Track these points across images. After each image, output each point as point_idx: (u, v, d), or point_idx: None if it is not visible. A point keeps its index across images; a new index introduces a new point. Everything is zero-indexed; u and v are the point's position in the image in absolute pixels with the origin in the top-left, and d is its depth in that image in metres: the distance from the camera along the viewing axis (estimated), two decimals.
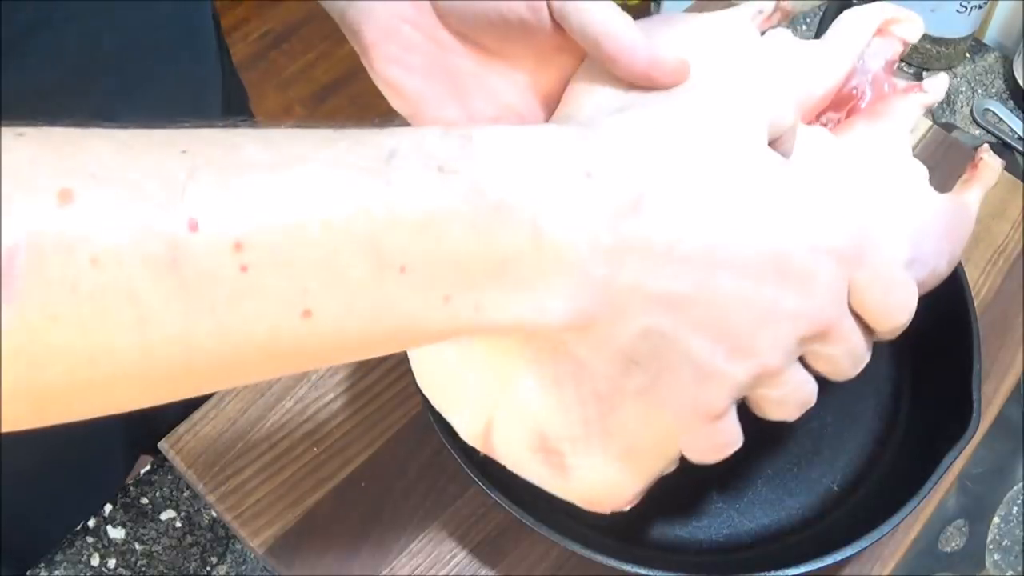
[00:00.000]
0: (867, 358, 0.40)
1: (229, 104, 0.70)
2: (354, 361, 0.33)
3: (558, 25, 0.44)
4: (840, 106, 0.55)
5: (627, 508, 0.45)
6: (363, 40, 0.46)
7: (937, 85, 0.53)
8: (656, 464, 0.44)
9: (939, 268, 0.50)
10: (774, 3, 0.57)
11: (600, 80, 0.42)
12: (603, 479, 0.43)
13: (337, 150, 0.30)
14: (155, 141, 0.28)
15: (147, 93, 0.56)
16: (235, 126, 0.30)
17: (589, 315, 0.33)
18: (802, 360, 0.39)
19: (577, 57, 0.46)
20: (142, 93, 0.55)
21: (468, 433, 0.46)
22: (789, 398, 0.38)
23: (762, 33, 0.53)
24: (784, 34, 0.54)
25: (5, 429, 0.29)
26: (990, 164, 0.55)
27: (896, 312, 0.40)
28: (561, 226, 0.31)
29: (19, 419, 0.28)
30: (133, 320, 0.26)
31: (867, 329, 0.40)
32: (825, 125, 0.55)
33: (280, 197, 0.28)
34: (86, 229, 0.26)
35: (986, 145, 0.56)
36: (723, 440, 0.38)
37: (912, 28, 0.54)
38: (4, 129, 0.27)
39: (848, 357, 0.39)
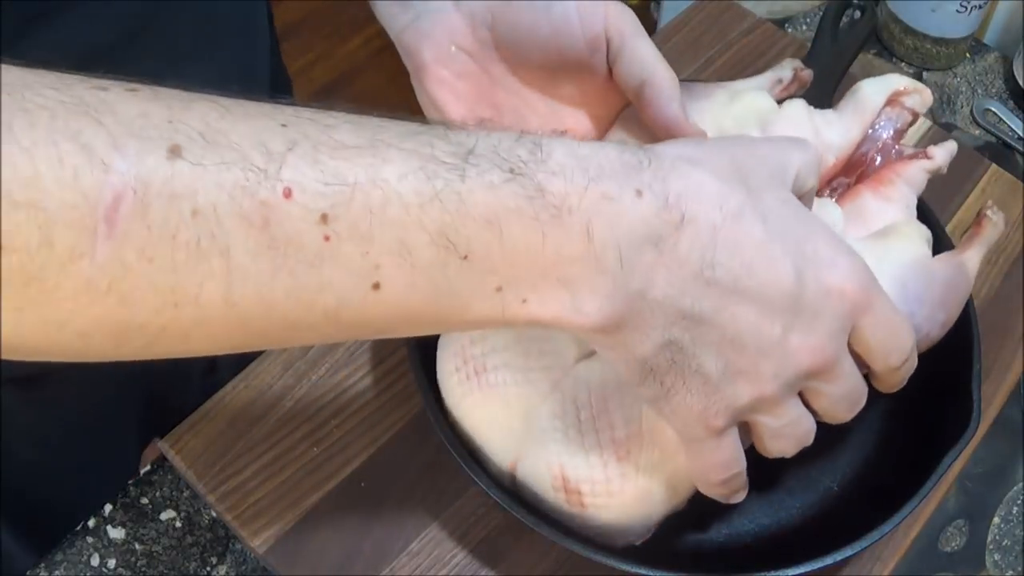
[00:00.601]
0: (862, 402, 0.42)
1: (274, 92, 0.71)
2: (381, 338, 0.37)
3: (610, 67, 0.48)
4: (850, 172, 0.57)
5: (638, 543, 0.48)
6: (418, 59, 0.49)
7: (942, 152, 0.55)
8: (668, 503, 0.49)
9: (932, 334, 0.52)
10: (792, 72, 0.58)
11: None
12: (619, 517, 0.48)
13: (419, 142, 0.32)
14: (255, 112, 0.30)
15: (196, 75, 0.56)
16: (327, 108, 0.32)
17: (618, 321, 0.36)
18: (803, 398, 0.41)
19: (619, 103, 0.50)
20: (191, 73, 0.56)
21: (495, 469, 0.49)
22: (786, 431, 0.41)
23: (779, 102, 0.55)
24: (799, 104, 0.55)
25: (83, 358, 0.30)
26: (993, 221, 0.56)
27: (894, 352, 0.42)
28: (609, 237, 0.34)
29: (98, 351, 0.30)
30: (222, 271, 0.29)
31: (865, 376, 0.43)
32: (836, 190, 0.56)
33: (366, 178, 0.30)
34: (192, 183, 0.28)
35: (990, 201, 0.57)
36: (723, 457, 0.41)
37: (920, 100, 0.57)
38: (116, 84, 0.29)
39: (845, 400, 0.41)
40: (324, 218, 0.30)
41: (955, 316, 0.53)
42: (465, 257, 0.32)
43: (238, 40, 0.62)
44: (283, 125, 0.30)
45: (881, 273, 0.50)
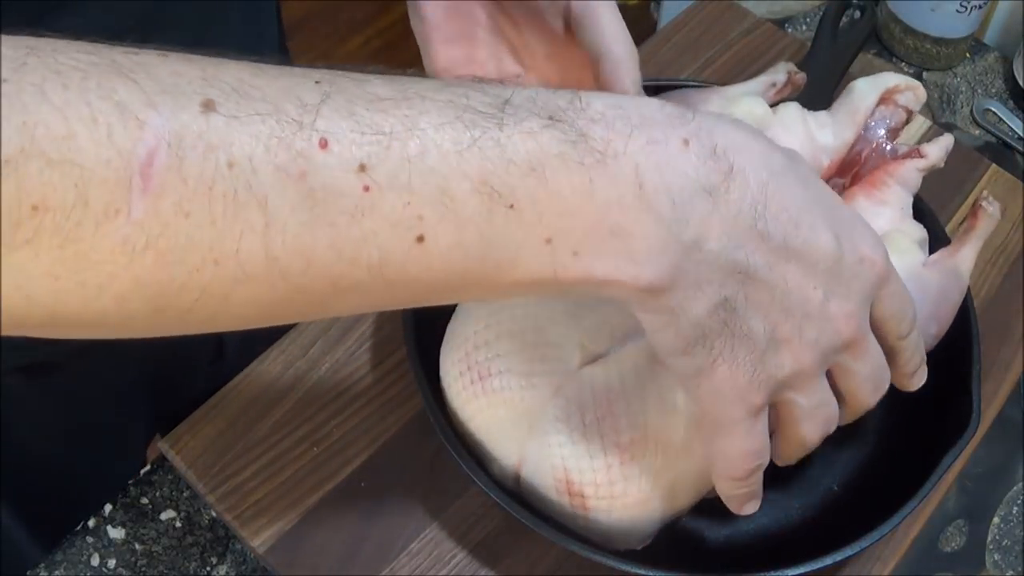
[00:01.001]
0: (885, 386, 0.42)
1: None
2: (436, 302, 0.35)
3: (571, 31, 0.46)
4: (845, 172, 0.57)
5: (639, 547, 0.48)
6: None
7: (936, 149, 0.55)
8: (670, 509, 0.48)
9: (925, 342, 0.52)
10: (786, 76, 0.59)
11: None
12: (621, 520, 0.48)
13: (454, 93, 0.32)
14: (287, 72, 0.30)
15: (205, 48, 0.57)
16: (361, 70, 0.32)
17: (673, 276, 0.34)
18: (831, 380, 0.41)
19: (580, 70, 0.48)
20: (200, 47, 0.57)
21: (499, 471, 0.49)
22: (817, 413, 0.40)
23: (773, 105, 0.55)
24: (793, 107, 0.56)
25: (124, 330, 0.30)
26: (989, 212, 0.56)
27: (905, 321, 0.42)
28: (660, 183, 0.33)
29: (139, 319, 0.29)
30: (260, 225, 0.28)
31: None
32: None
33: (403, 128, 0.30)
34: (227, 135, 0.28)
35: (986, 192, 0.57)
36: (754, 444, 0.40)
37: (914, 97, 0.57)
38: (147, 49, 0.29)
39: (871, 380, 0.41)
40: (362, 167, 0.29)
41: (948, 325, 0.53)
42: (511, 206, 0.31)
43: (246, 32, 0.62)
44: (317, 81, 0.30)
45: None
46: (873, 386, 0.42)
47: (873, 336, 0.40)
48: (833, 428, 0.42)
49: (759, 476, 0.42)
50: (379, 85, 0.31)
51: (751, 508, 0.44)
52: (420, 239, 0.30)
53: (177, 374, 0.70)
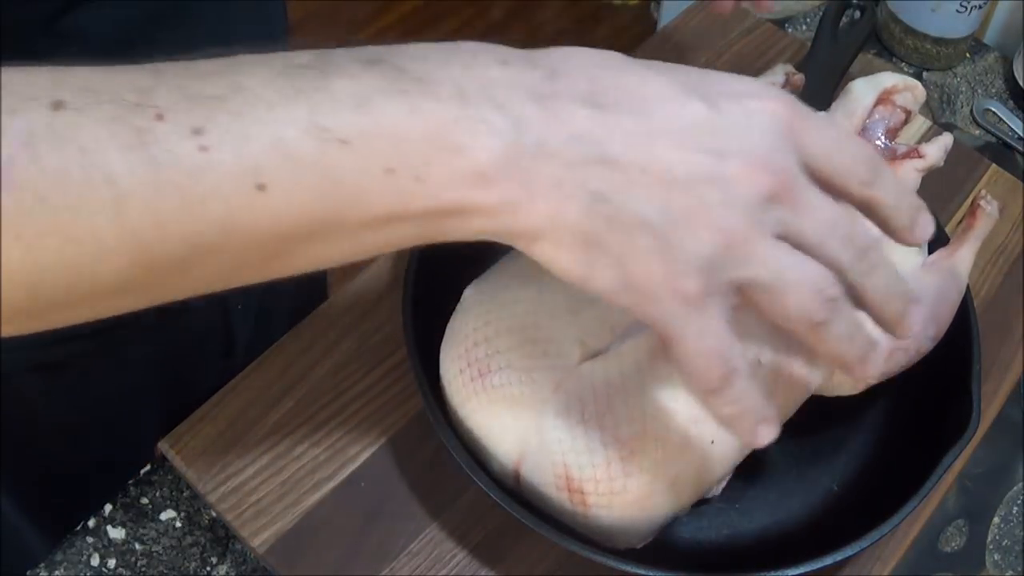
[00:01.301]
0: (860, 242, 0.37)
1: None
2: (324, 264, 0.36)
3: None
4: None
5: (639, 545, 0.48)
6: None
7: (935, 149, 0.55)
8: (670, 507, 0.48)
9: (923, 349, 0.52)
10: (784, 77, 0.59)
11: None
12: (622, 518, 0.48)
13: (275, 57, 0.34)
14: (129, 68, 0.33)
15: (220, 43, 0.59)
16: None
17: (527, 183, 0.34)
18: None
19: None
20: (215, 42, 0.58)
21: (499, 469, 0.49)
22: (788, 279, 0.36)
23: None
24: None
25: (7, 325, 0.32)
26: (988, 212, 0.56)
27: (861, 164, 0.38)
28: (484, 96, 0.34)
29: (19, 309, 0.32)
30: (112, 197, 0.30)
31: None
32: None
33: (230, 91, 0.32)
34: (75, 127, 0.30)
35: (984, 191, 0.57)
36: (709, 343, 0.36)
37: (912, 97, 0.57)
38: (6, 65, 0.31)
39: (831, 231, 0.36)
40: (196, 131, 0.31)
41: (946, 327, 0.53)
42: (344, 142, 0.32)
43: (255, 28, 0.62)
44: (153, 71, 0.32)
45: None
46: (841, 238, 0.37)
47: (811, 185, 0.37)
48: (831, 291, 0.37)
49: (744, 388, 0.37)
50: (207, 64, 0.33)
51: (765, 435, 0.38)
52: (261, 187, 0.32)
53: (186, 373, 0.70)
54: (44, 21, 0.49)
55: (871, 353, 0.39)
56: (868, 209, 0.39)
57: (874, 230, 0.40)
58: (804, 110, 0.37)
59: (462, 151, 0.33)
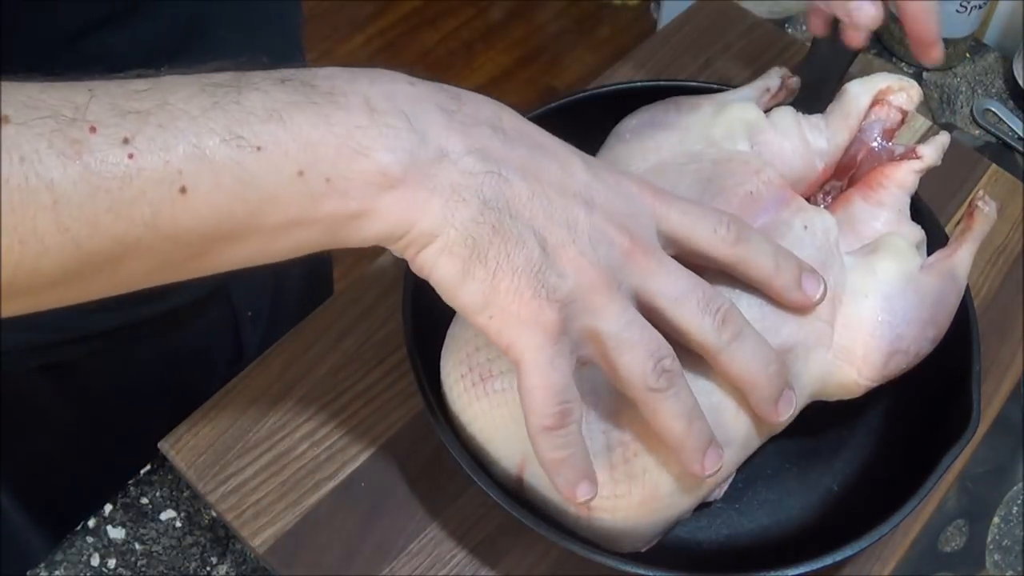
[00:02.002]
0: (730, 317, 0.41)
1: None
2: (258, 262, 0.40)
3: None
4: (842, 174, 0.57)
5: (644, 549, 0.48)
6: None
7: (932, 150, 0.55)
8: (673, 510, 0.48)
9: (922, 351, 0.52)
10: (780, 81, 0.59)
11: None
12: (624, 522, 0.48)
13: (199, 78, 0.37)
14: (68, 84, 0.35)
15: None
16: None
17: (428, 185, 0.37)
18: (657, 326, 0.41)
19: None
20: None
21: (501, 474, 0.49)
22: (630, 337, 0.39)
23: (768, 110, 0.55)
24: (787, 112, 0.56)
25: None
26: (985, 212, 0.56)
27: (710, 227, 0.43)
28: (391, 106, 0.37)
29: None
30: (50, 201, 0.33)
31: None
32: (828, 193, 0.57)
33: (156, 106, 0.35)
34: (17, 139, 0.33)
35: (982, 192, 0.57)
36: (555, 378, 0.39)
37: (907, 97, 0.57)
38: None
39: (686, 303, 0.41)
40: (125, 140, 0.34)
41: (945, 328, 0.53)
42: (258, 148, 0.35)
43: (273, 30, 0.63)
44: (89, 89, 0.35)
45: (870, 294, 0.51)
46: (696, 303, 0.40)
47: (672, 260, 0.41)
48: (668, 362, 0.40)
49: (576, 437, 0.40)
50: (138, 82, 0.36)
51: (584, 492, 0.42)
52: (183, 190, 0.35)
53: (195, 375, 0.70)
54: (67, 40, 0.49)
55: (708, 448, 0.42)
56: (742, 275, 0.42)
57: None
58: (668, 194, 0.42)
59: (367, 153, 0.37)
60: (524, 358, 0.39)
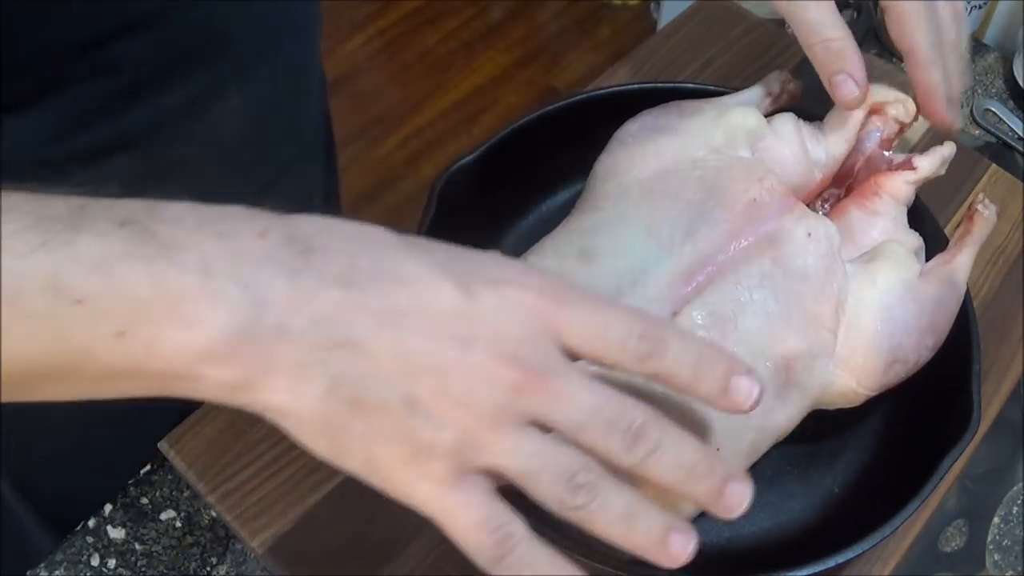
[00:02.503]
0: (643, 432, 0.36)
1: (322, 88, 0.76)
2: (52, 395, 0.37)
3: None
4: (840, 183, 0.57)
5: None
6: None
7: (928, 163, 0.55)
8: (679, 513, 0.46)
9: (921, 359, 0.52)
10: (780, 85, 0.58)
11: None
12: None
13: (38, 203, 0.34)
14: None
15: (255, 76, 0.61)
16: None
17: (264, 364, 0.34)
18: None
19: None
20: (251, 76, 0.60)
21: None
22: (534, 466, 0.36)
23: (769, 115, 0.55)
24: (788, 119, 0.56)
25: None
26: (985, 216, 0.56)
27: (613, 338, 0.37)
28: (229, 271, 0.33)
29: None
30: None
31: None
32: (827, 201, 0.57)
33: None
34: None
35: (981, 195, 0.57)
36: (478, 514, 0.36)
37: (903, 110, 0.57)
38: None
39: (594, 423, 0.36)
40: None
41: (944, 335, 0.53)
42: (78, 302, 0.32)
43: (292, 38, 0.64)
44: None
45: (869, 303, 0.51)
46: (603, 423, 0.36)
47: (570, 372, 0.36)
48: (578, 476, 0.36)
49: (527, 552, 0.37)
50: None
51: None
52: None
53: None
54: (80, 49, 0.49)
55: (666, 534, 0.37)
56: (662, 383, 0.38)
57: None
58: (568, 295, 0.36)
59: (194, 325, 0.33)
60: (435, 511, 0.36)
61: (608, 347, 0.37)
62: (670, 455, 0.37)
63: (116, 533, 0.57)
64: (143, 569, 0.56)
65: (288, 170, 0.70)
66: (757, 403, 0.38)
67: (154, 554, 0.56)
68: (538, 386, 0.35)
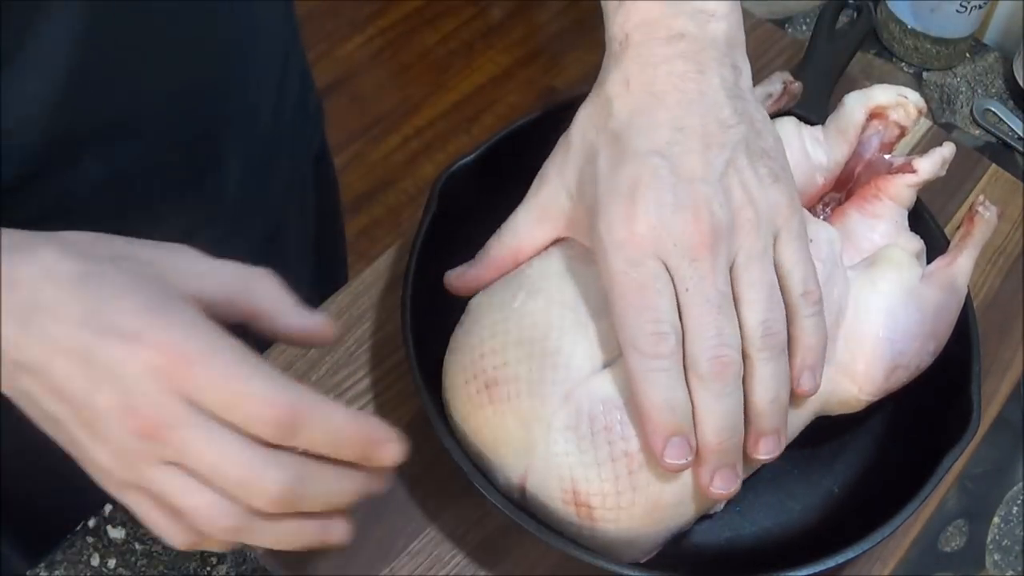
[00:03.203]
0: (301, 490, 0.40)
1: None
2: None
3: None
4: (841, 186, 0.57)
5: (643, 559, 0.48)
6: None
7: (928, 165, 0.55)
8: (675, 521, 0.48)
9: (922, 364, 0.52)
10: (782, 86, 0.58)
11: None
12: (628, 531, 0.48)
13: None
14: None
15: (248, 73, 0.63)
16: None
17: None
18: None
19: None
20: (242, 75, 0.62)
21: (504, 482, 0.49)
22: (185, 506, 0.39)
23: (773, 116, 0.55)
24: (789, 123, 0.55)
25: None
26: (986, 218, 0.56)
27: (258, 417, 0.39)
28: None
29: None
30: None
31: None
32: (828, 205, 0.57)
33: None
34: None
35: (982, 196, 0.57)
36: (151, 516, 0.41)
37: (904, 113, 0.56)
38: None
39: (229, 482, 0.39)
40: None
41: (945, 339, 0.53)
42: None
43: (276, 40, 0.65)
44: None
45: (870, 309, 0.51)
46: (231, 475, 0.38)
47: (200, 425, 0.38)
48: (212, 527, 0.39)
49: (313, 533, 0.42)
50: None
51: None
52: None
53: None
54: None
55: (323, 530, 0.42)
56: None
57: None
58: (197, 357, 0.38)
59: None
60: (128, 505, 0.42)
61: (245, 420, 0.38)
62: (317, 497, 0.41)
63: (116, 533, 0.57)
64: (143, 569, 0.56)
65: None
66: (399, 460, 0.43)
67: (154, 554, 0.56)
68: (159, 435, 0.38)
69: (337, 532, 0.43)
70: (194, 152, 0.59)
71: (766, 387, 0.45)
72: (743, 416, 0.45)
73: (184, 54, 0.55)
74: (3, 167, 0.50)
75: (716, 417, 0.44)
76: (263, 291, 0.44)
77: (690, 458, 0.45)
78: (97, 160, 0.54)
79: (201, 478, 0.39)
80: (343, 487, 0.42)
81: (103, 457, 0.39)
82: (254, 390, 0.38)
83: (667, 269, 0.44)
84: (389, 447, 0.42)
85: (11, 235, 0.40)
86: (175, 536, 0.41)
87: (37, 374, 0.39)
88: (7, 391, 0.40)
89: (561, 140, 0.50)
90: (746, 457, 0.47)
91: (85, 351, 0.38)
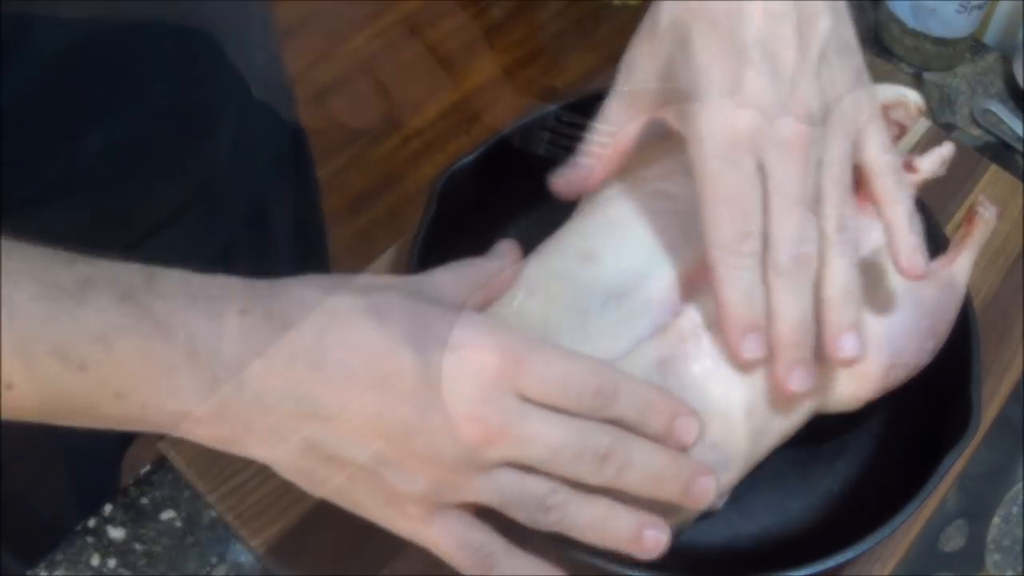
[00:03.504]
0: (612, 459, 0.41)
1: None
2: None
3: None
4: None
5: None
6: None
7: (928, 164, 0.55)
8: (675, 519, 0.48)
9: (921, 363, 0.52)
10: None
11: None
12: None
13: (44, 274, 0.37)
14: None
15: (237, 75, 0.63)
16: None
17: (242, 428, 0.39)
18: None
19: None
20: (231, 76, 0.62)
21: None
22: (516, 500, 0.40)
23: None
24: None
25: None
26: (985, 218, 0.56)
27: (574, 389, 0.41)
28: (213, 349, 0.38)
29: None
30: None
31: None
32: None
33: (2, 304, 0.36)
34: None
35: (982, 196, 0.57)
36: (456, 540, 0.41)
37: (905, 113, 0.56)
38: None
39: (562, 458, 0.40)
40: None
41: (944, 338, 0.53)
42: (80, 367, 0.37)
43: (257, 42, 0.64)
44: None
45: (868, 307, 0.50)
46: (571, 455, 0.40)
47: (531, 414, 0.40)
48: (555, 498, 0.41)
49: (511, 565, 0.42)
50: None
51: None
52: (9, 386, 0.37)
53: None
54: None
55: (639, 531, 0.42)
56: (618, 426, 0.42)
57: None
58: (527, 355, 0.40)
59: (180, 395, 0.38)
60: (418, 541, 0.42)
61: (566, 399, 0.40)
62: (636, 469, 0.41)
63: (116, 533, 0.57)
64: (143, 569, 0.56)
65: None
66: (697, 439, 0.43)
67: (154, 554, 0.56)
68: (501, 437, 0.39)
69: (650, 538, 0.42)
70: (190, 118, 0.59)
71: (842, 280, 0.45)
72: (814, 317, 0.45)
73: (181, 14, 0.55)
74: (4, 144, 0.49)
75: (793, 311, 0.44)
76: (485, 275, 0.48)
77: (765, 352, 0.45)
78: (97, 134, 0.53)
79: (536, 465, 0.40)
80: (660, 460, 0.42)
81: (418, 485, 0.39)
82: (576, 367, 0.41)
83: (759, 164, 0.45)
84: (691, 421, 0.43)
85: (291, 307, 0.40)
86: (474, 564, 0.41)
87: (331, 420, 0.39)
88: (273, 441, 0.40)
89: (645, 24, 0.50)
90: (826, 358, 0.46)
91: (409, 373, 0.38)
